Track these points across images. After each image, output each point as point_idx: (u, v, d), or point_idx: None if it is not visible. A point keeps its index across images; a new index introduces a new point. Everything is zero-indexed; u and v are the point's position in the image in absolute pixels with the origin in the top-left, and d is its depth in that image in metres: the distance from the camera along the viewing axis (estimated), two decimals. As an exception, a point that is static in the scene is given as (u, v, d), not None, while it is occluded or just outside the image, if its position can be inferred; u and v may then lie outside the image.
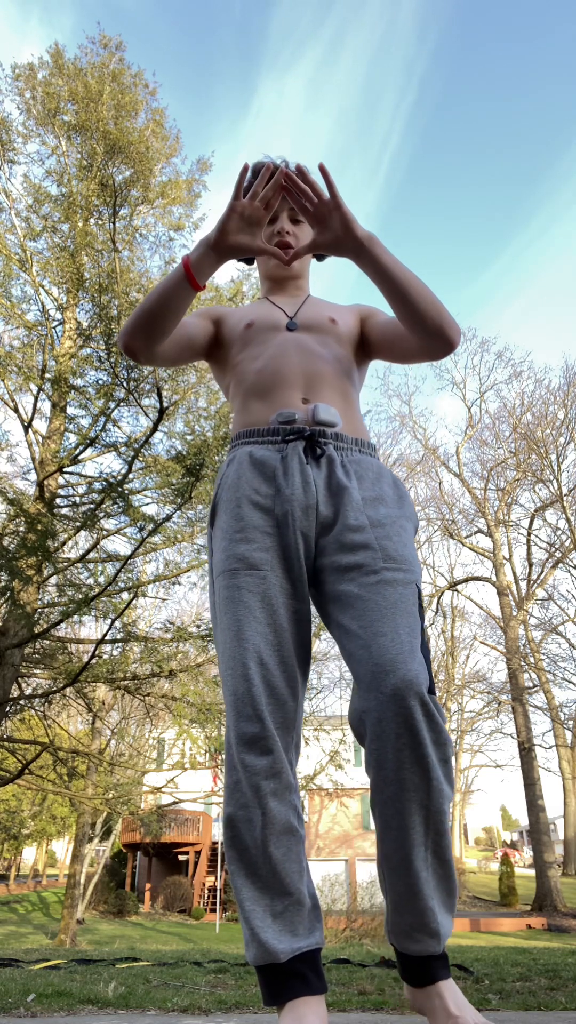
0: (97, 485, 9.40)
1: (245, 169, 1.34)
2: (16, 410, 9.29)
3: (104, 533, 8.80)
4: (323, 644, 15.24)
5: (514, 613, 26.35)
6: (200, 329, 1.55)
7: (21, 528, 7.71)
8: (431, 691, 1.13)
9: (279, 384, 1.41)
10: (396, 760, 1.11)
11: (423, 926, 1.14)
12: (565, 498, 24.99)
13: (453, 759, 1.17)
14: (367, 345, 1.57)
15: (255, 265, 1.72)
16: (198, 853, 23.77)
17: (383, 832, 1.15)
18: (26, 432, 9.31)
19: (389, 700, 1.11)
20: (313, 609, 1.34)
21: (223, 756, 11.39)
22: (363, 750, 1.18)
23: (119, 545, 19.40)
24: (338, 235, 1.31)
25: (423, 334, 1.36)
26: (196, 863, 23.69)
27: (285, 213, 1.58)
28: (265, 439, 1.36)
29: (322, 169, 1.28)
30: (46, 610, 8.81)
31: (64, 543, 8.45)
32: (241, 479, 1.32)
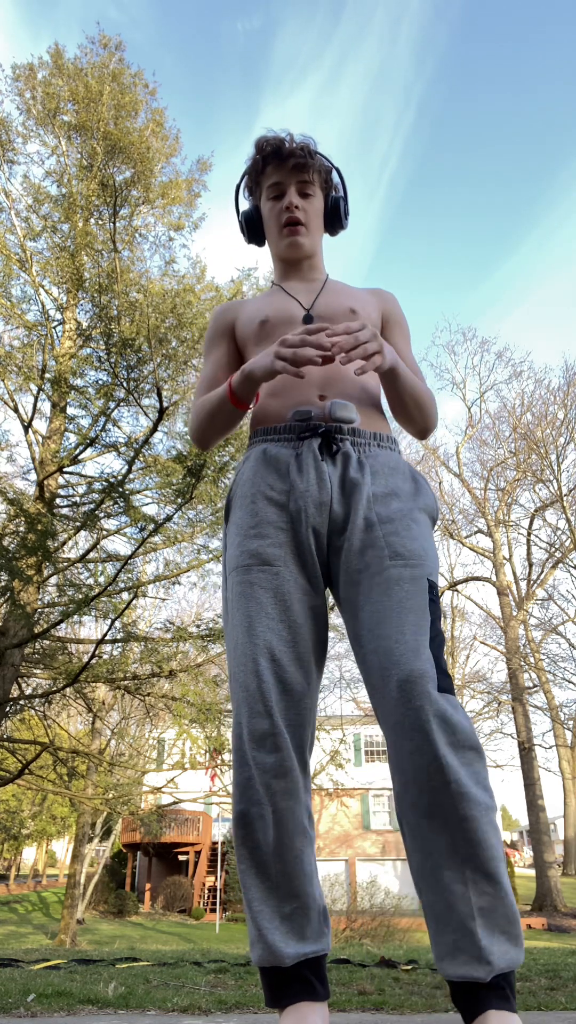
0: (97, 485, 9.40)
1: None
2: (16, 410, 9.29)
3: (104, 533, 8.80)
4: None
5: (514, 613, 26.35)
6: (230, 358, 1.53)
7: (21, 528, 7.71)
8: (444, 689, 1.08)
9: (295, 381, 1.37)
10: (412, 765, 1.06)
11: (465, 947, 1.02)
12: (565, 498, 24.99)
13: (482, 761, 1.09)
14: None
15: (266, 246, 1.62)
16: (198, 853, 23.77)
17: (410, 842, 1.10)
18: (26, 432, 9.30)
19: (396, 703, 1.07)
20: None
21: (222, 756, 11.39)
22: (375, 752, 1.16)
23: (119, 545, 19.40)
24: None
25: (406, 427, 1.49)
26: (196, 863, 23.68)
27: (293, 186, 1.49)
28: (281, 436, 1.33)
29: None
30: (46, 610, 8.80)
31: (64, 543, 8.45)
32: (256, 475, 1.31)
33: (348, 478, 1.27)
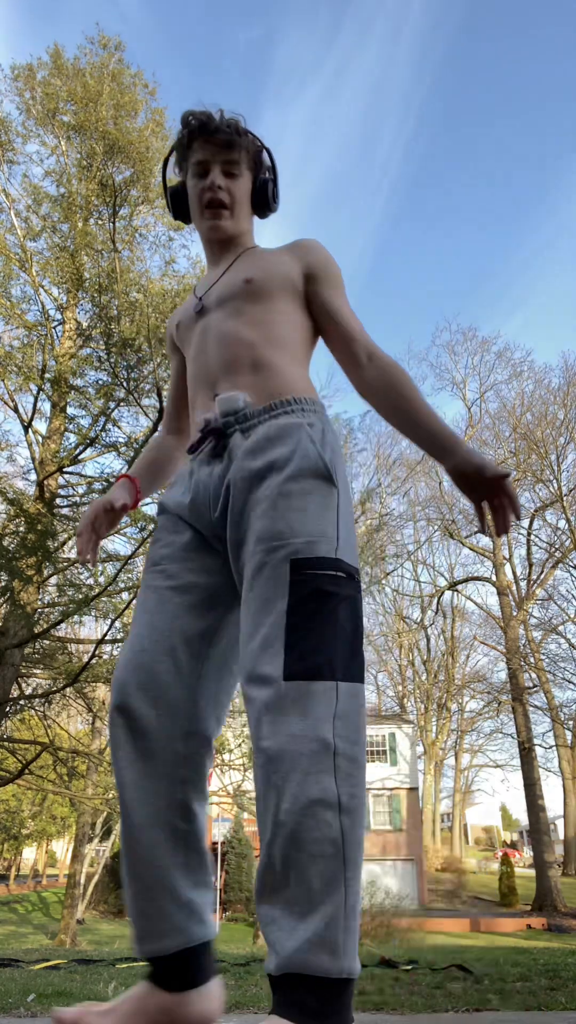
0: (97, 485, 9.40)
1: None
2: (16, 410, 9.29)
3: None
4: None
5: (514, 613, 26.35)
6: (182, 369, 1.51)
7: (21, 528, 7.71)
8: (289, 677, 0.99)
9: (199, 387, 1.33)
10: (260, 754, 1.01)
11: None
12: (565, 498, 25.00)
13: (325, 753, 0.95)
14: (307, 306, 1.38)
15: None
16: (198, 853, 23.81)
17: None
18: (26, 432, 9.30)
19: (247, 700, 1.04)
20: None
21: (222, 756, 11.39)
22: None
23: (119, 545, 19.38)
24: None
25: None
26: (196, 863, 23.72)
27: (218, 165, 1.40)
28: (192, 450, 1.31)
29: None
30: (46, 610, 8.80)
31: (64, 543, 8.45)
32: (169, 489, 1.36)
33: (230, 475, 1.19)
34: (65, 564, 8.48)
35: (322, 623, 1.03)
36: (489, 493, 1.19)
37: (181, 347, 1.45)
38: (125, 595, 8.84)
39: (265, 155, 1.47)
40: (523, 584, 27.84)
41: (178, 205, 1.51)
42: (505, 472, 1.18)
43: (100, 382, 9.39)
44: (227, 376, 1.27)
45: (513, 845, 46.33)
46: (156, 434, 1.53)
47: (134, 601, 9.55)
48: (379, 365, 1.30)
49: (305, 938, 0.89)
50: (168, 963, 1.07)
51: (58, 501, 9.25)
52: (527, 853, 36.39)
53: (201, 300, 1.37)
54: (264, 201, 1.47)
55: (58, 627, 8.67)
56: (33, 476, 9.48)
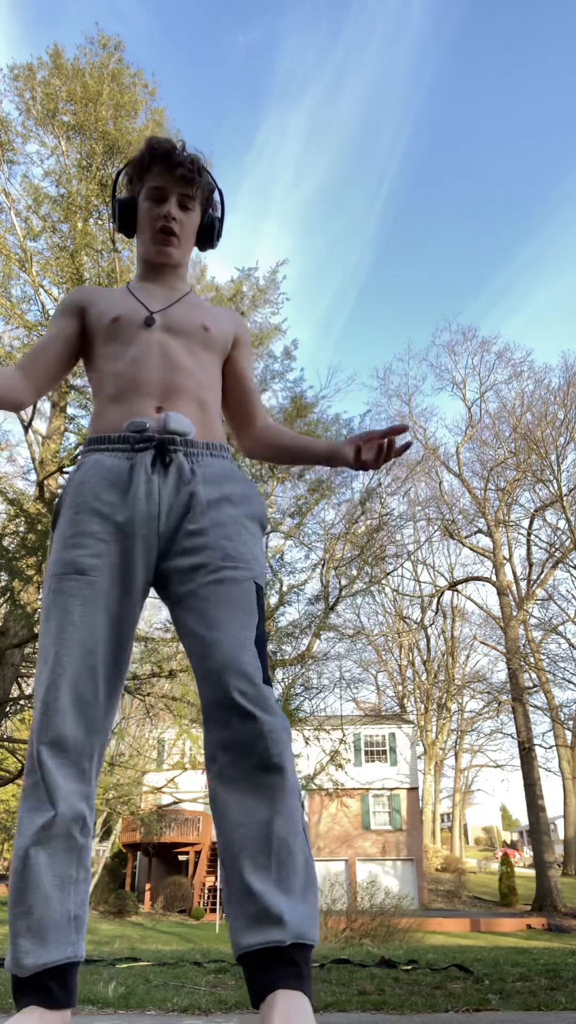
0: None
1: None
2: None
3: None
4: (322, 644, 15.22)
5: (514, 613, 26.36)
6: (65, 335, 1.51)
7: (21, 528, 7.71)
8: (266, 681, 1.19)
9: (135, 391, 1.38)
10: (237, 749, 1.14)
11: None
12: (565, 498, 25.01)
13: (287, 752, 1.17)
14: (224, 366, 1.58)
15: (135, 240, 1.61)
16: (198, 853, 23.77)
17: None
18: (26, 432, 9.31)
19: (222, 690, 1.17)
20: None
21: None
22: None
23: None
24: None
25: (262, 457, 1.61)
26: (196, 863, 23.68)
27: (175, 196, 1.49)
28: (115, 447, 1.34)
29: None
30: (46, 610, 8.80)
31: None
32: (84, 486, 1.31)
33: (181, 489, 1.31)
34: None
35: (266, 635, 1.29)
36: (370, 450, 1.42)
37: (98, 329, 1.48)
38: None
39: (216, 196, 1.60)
40: (523, 584, 27.87)
41: (124, 217, 1.58)
42: (363, 434, 1.41)
43: (100, 382, 9.36)
44: (172, 399, 1.39)
45: (513, 845, 46.33)
46: (8, 368, 1.50)
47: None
48: (269, 423, 1.59)
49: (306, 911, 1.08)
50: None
51: (58, 501, 9.25)
52: (527, 853, 36.40)
53: (153, 314, 1.46)
54: (208, 237, 1.62)
55: (58, 627, 8.67)
56: (33, 476, 9.49)
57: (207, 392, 1.45)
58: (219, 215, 1.61)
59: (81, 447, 9.25)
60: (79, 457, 1.42)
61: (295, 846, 1.11)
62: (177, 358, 1.42)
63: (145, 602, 1.36)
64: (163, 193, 1.49)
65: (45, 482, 8.63)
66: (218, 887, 20.54)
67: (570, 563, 26.12)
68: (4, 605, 7.97)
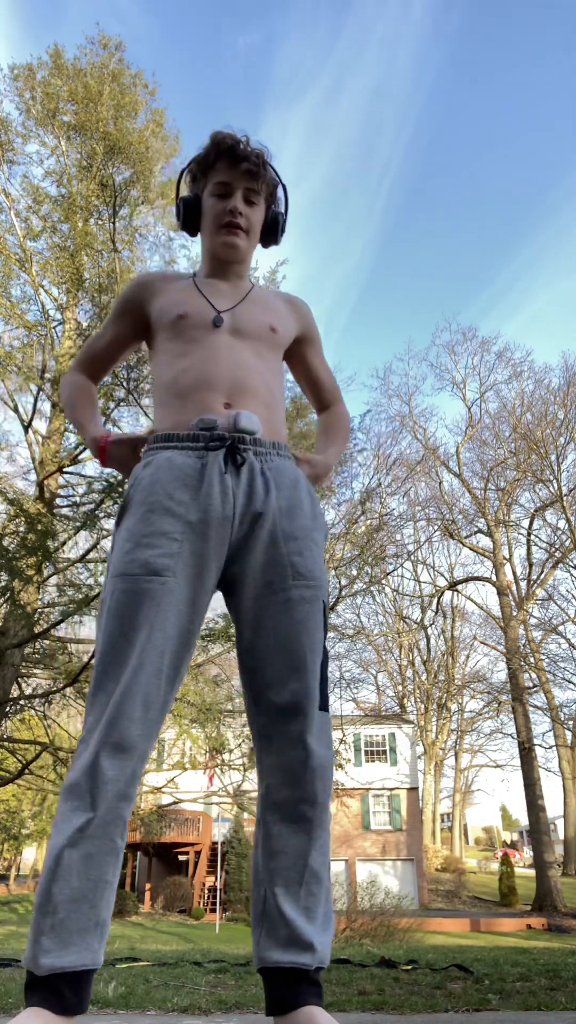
0: (97, 485, 9.39)
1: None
2: (16, 410, 9.29)
3: (104, 533, 8.79)
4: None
5: (514, 613, 26.35)
6: (127, 338, 1.56)
7: (21, 528, 7.71)
8: (323, 708, 1.22)
9: (202, 387, 1.37)
10: (292, 773, 1.20)
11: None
12: (565, 498, 25.00)
13: (329, 789, 1.22)
14: (289, 357, 1.62)
15: (198, 237, 1.61)
16: (198, 853, 23.76)
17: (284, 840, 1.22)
18: (26, 432, 9.31)
19: (279, 716, 1.21)
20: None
21: (222, 756, 11.39)
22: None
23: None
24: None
25: None
26: (196, 863, 23.68)
27: (240, 191, 1.48)
28: (185, 445, 1.32)
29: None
30: (46, 610, 8.80)
31: (64, 543, 8.44)
32: (156, 484, 1.28)
33: (254, 492, 1.29)
34: (65, 564, 8.48)
35: (328, 653, 1.31)
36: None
37: (162, 324, 1.48)
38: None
39: (281, 191, 1.58)
40: (523, 584, 27.86)
41: (188, 215, 1.56)
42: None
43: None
44: (241, 397, 1.38)
45: (513, 845, 46.33)
46: (76, 376, 1.57)
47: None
48: (327, 413, 1.67)
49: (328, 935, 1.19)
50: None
51: (58, 501, 9.25)
52: (527, 853, 36.40)
53: (220, 314, 1.45)
54: (272, 233, 1.60)
55: (58, 627, 8.67)
56: (33, 476, 9.49)
57: (273, 392, 1.45)
58: (283, 211, 1.60)
59: (81, 447, 9.25)
60: (143, 454, 1.39)
61: (323, 877, 1.20)
62: (245, 358, 1.42)
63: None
64: (228, 188, 1.48)
65: (45, 482, 8.62)
66: (218, 887, 20.56)
67: (570, 563, 26.12)
68: (4, 605, 7.97)
